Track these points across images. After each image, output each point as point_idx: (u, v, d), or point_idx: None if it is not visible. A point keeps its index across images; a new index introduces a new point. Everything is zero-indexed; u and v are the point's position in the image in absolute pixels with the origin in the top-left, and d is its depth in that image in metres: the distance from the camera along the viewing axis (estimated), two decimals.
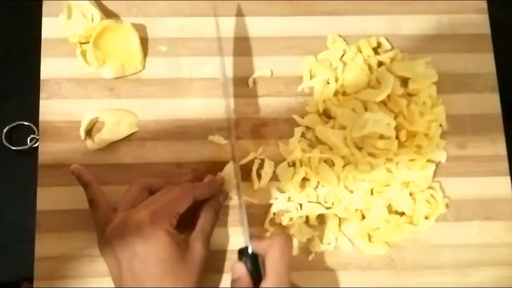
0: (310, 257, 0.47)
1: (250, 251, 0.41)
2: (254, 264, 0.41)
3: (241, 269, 0.41)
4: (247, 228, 0.42)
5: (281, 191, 0.48)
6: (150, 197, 0.43)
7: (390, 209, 0.47)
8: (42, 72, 0.49)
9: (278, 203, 0.47)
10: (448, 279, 0.47)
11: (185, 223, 0.42)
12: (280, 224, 0.47)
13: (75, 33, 0.48)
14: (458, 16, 0.53)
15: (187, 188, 0.43)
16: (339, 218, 0.47)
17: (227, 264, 0.47)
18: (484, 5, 0.53)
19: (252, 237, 0.41)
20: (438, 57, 0.51)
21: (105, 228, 0.41)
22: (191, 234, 0.43)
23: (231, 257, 0.47)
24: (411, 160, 0.47)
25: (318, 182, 0.47)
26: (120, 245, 0.40)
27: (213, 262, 0.46)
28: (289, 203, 0.47)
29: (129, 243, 0.39)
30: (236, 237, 0.47)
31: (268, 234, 0.47)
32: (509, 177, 0.49)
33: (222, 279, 0.46)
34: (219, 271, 0.46)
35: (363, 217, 0.47)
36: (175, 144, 0.48)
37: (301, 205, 0.47)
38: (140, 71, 0.50)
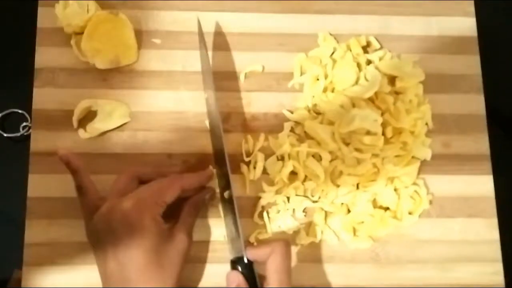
0: (296, 249, 0.48)
1: (245, 260, 0.41)
2: (250, 272, 0.41)
3: (238, 278, 0.41)
4: (242, 237, 0.42)
5: (270, 184, 0.49)
6: (140, 186, 0.43)
7: (375, 204, 0.48)
8: (37, 61, 0.50)
9: (266, 196, 0.48)
10: (430, 273, 0.48)
11: (168, 216, 0.43)
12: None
13: (70, 23, 0.49)
14: (446, 19, 0.54)
15: (175, 178, 0.44)
16: (325, 211, 0.48)
17: (210, 255, 0.47)
18: (471, 8, 0.54)
19: (246, 245, 0.42)
20: (426, 58, 0.52)
21: (93, 215, 0.42)
22: (175, 226, 0.43)
23: (214, 247, 0.47)
24: (396, 156, 0.48)
25: (306, 176, 0.48)
26: (106, 233, 0.40)
27: (197, 253, 0.47)
28: (276, 196, 0.48)
29: (115, 230, 0.40)
30: (219, 228, 0.48)
31: (254, 236, 0.47)
32: (491, 176, 0.51)
33: (205, 269, 0.47)
34: (202, 261, 0.47)
35: (349, 211, 0.48)
36: (166, 136, 0.49)
37: (288, 198, 0.48)
38: (134, 62, 0.50)
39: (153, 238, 0.40)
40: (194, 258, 0.47)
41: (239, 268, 0.41)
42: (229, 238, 0.45)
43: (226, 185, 0.45)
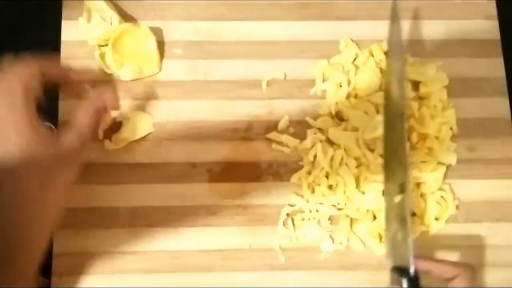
0: (322, 257, 0.48)
1: (412, 271, 0.40)
2: (414, 286, 0.40)
3: None
4: (412, 246, 0.40)
5: (295, 193, 0.48)
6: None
7: None
8: None
9: (291, 203, 0.48)
10: None
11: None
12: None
13: (94, 36, 0.50)
14: (468, 22, 0.54)
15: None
16: (351, 218, 0.48)
17: (235, 263, 0.47)
18: (493, 11, 0.54)
19: (419, 257, 0.41)
20: (449, 62, 0.52)
21: None
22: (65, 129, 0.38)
23: (239, 256, 0.48)
24: (422, 162, 0.48)
25: (331, 185, 0.48)
26: None
27: (222, 261, 0.47)
28: (301, 203, 0.48)
29: None
30: (242, 236, 0.48)
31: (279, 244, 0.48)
32: None
33: (231, 277, 0.47)
34: (228, 269, 0.47)
35: (375, 217, 0.48)
36: (190, 145, 0.49)
37: (313, 205, 0.48)
38: (157, 73, 0.51)
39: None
40: (219, 266, 0.47)
41: (402, 280, 0.40)
42: (390, 245, 0.44)
43: (398, 189, 0.43)
